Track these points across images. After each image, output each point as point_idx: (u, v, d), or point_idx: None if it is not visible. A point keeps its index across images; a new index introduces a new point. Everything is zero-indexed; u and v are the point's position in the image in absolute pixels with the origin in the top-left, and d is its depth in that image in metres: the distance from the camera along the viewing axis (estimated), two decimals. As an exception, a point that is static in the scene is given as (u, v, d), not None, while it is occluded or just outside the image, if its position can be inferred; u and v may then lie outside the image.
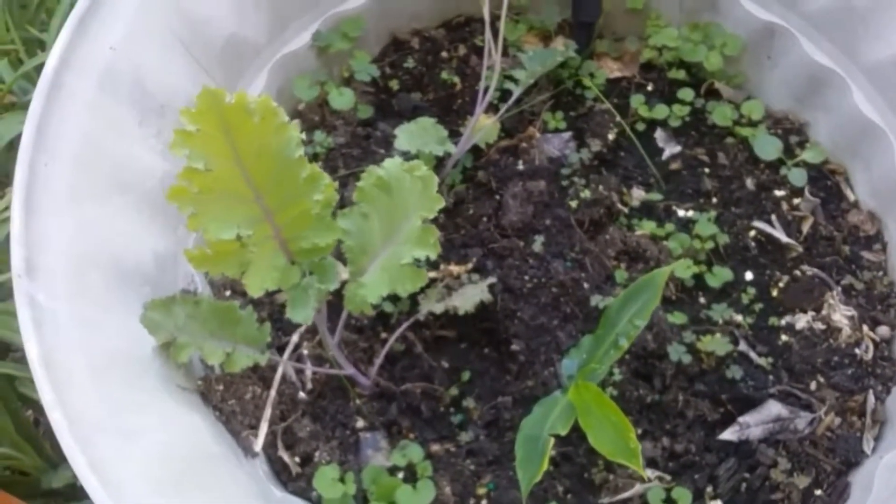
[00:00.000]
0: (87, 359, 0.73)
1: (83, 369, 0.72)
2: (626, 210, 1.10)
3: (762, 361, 0.99)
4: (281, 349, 0.97)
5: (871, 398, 0.96)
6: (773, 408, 0.95)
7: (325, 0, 1.14)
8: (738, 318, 1.02)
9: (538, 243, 1.04)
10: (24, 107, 1.40)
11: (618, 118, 1.16)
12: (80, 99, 0.85)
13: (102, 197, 0.84)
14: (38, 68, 1.41)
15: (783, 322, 1.02)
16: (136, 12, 0.91)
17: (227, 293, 0.98)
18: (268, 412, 0.90)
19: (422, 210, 0.79)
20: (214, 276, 0.98)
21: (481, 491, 0.91)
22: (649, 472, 0.92)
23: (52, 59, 0.84)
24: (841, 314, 1.01)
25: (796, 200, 1.11)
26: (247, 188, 0.69)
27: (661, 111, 1.17)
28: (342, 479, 0.88)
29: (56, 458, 1.14)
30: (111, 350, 0.77)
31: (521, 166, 1.12)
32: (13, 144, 1.40)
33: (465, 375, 0.98)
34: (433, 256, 0.80)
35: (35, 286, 0.74)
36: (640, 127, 1.17)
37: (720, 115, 1.16)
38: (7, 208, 1.26)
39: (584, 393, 0.83)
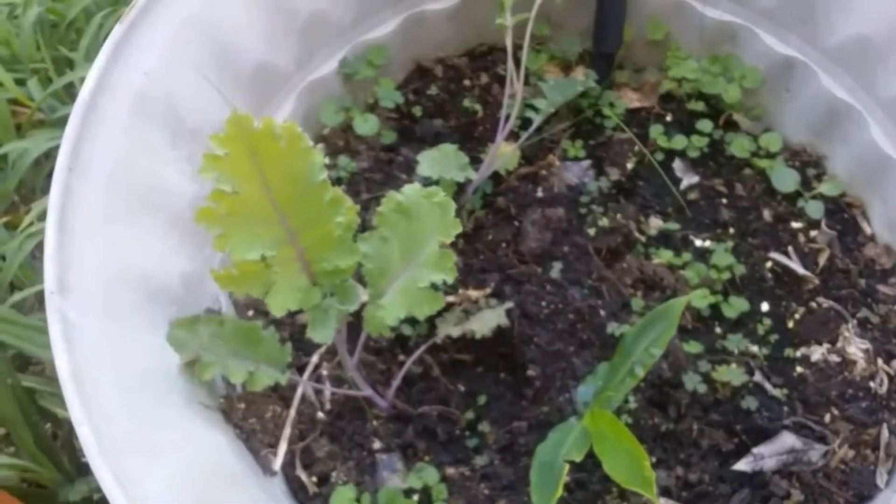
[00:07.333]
0: (115, 375, 0.75)
1: (111, 385, 0.74)
2: (643, 239, 1.11)
3: (777, 393, 0.99)
4: (301, 369, 0.98)
5: (885, 432, 0.96)
6: (788, 439, 0.95)
7: (352, 29, 1.17)
8: (754, 348, 1.03)
9: (556, 270, 1.06)
10: (53, 124, 1.45)
11: (637, 147, 1.18)
12: (114, 122, 0.87)
13: (134, 218, 0.86)
14: (67, 87, 1.45)
15: (798, 354, 1.03)
16: (169, 39, 0.94)
17: (250, 313, 1.00)
18: (287, 431, 0.92)
19: (439, 235, 0.81)
20: (238, 297, 1.00)
21: (495, 515, 0.92)
22: (663, 501, 0.92)
23: (88, 83, 0.86)
24: (856, 347, 1.02)
25: (813, 233, 1.12)
26: (272, 210, 0.71)
27: (679, 142, 1.19)
28: (358, 500, 0.89)
29: (73, 472, 1.15)
30: (139, 367, 0.79)
31: (540, 193, 1.14)
32: (39, 161, 1.43)
33: (481, 399, 1.00)
34: (450, 280, 0.81)
35: (67, 303, 0.76)
36: (659, 157, 1.19)
37: (738, 146, 1.18)
38: (32, 223, 1.29)
39: (599, 420, 0.84)
